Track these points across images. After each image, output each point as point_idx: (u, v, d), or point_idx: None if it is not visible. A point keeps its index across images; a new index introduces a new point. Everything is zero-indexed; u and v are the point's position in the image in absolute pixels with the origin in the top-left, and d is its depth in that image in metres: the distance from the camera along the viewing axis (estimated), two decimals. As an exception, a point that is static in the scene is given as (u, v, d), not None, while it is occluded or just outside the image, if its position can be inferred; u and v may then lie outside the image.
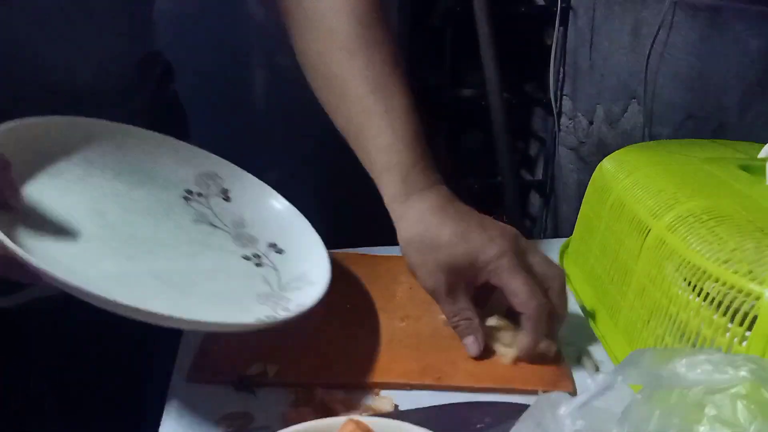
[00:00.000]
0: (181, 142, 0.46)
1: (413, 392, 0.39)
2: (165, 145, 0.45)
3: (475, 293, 0.41)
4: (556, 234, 1.26)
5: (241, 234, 0.44)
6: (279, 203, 0.46)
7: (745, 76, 0.70)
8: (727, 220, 0.37)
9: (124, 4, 0.43)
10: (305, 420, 0.30)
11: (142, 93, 0.47)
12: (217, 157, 0.47)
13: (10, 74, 0.39)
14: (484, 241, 0.39)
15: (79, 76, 0.42)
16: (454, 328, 0.41)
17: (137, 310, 0.31)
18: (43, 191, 0.37)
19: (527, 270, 0.39)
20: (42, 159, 0.39)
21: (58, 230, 0.35)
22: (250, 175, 0.47)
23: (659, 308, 0.38)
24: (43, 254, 0.33)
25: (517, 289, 0.38)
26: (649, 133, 0.92)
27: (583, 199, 0.53)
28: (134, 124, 0.47)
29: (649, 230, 0.40)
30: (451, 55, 1.24)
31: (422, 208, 0.40)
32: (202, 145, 0.54)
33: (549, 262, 0.41)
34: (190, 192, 0.44)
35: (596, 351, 0.43)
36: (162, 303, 0.33)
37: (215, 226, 0.43)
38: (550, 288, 0.40)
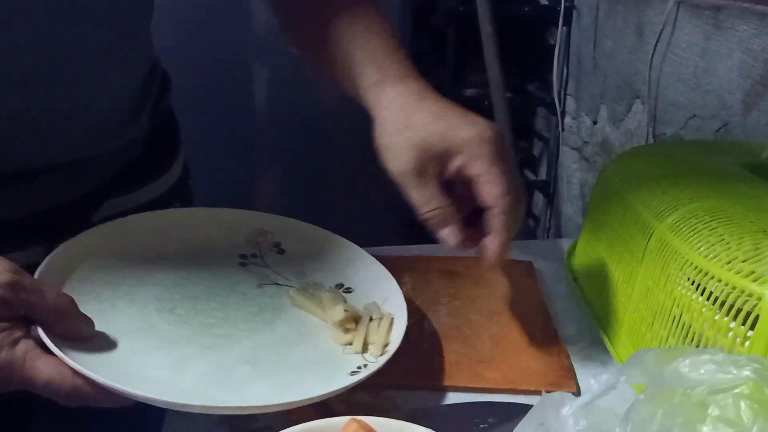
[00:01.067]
0: (224, 209, 0.45)
1: (416, 392, 0.39)
2: (209, 216, 0.44)
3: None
4: (560, 234, 1.26)
5: (306, 284, 0.42)
6: (332, 239, 0.44)
7: (749, 76, 0.70)
8: (730, 221, 0.37)
9: (132, 29, 0.42)
10: (307, 420, 0.30)
11: (143, 112, 0.46)
12: (259, 212, 0.45)
13: (22, 115, 0.36)
14: (464, 122, 0.35)
15: (91, 109, 0.40)
16: (426, 220, 0.36)
17: (241, 408, 0.31)
18: (113, 304, 0.37)
19: (509, 171, 0.35)
20: (102, 271, 0.38)
21: (136, 343, 0.35)
22: (294, 221, 0.45)
23: (663, 310, 0.38)
24: (129, 372, 0.33)
25: (496, 178, 0.34)
26: (652, 132, 0.92)
27: (589, 201, 0.53)
28: (134, 144, 0.45)
29: (653, 232, 0.40)
30: (453, 55, 1.24)
31: (399, 90, 0.37)
32: (194, 149, 0.54)
33: (517, 174, 0.37)
34: (245, 256, 0.43)
35: (601, 353, 0.43)
36: (259, 389, 0.34)
37: (279, 285, 0.42)
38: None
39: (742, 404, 0.25)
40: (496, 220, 0.35)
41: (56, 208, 0.40)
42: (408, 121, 0.36)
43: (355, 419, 0.30)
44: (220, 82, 0.98)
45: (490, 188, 0.35)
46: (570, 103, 1.19)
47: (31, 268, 0.35)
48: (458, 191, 0.37)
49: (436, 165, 0.35)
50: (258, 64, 0.99)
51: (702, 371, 0.27)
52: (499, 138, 0.36)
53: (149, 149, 0.47)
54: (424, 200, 0.35)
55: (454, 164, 0.35)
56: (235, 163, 0.97)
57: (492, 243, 0.35)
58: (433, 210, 0.35)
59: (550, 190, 1.29)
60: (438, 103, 0.36)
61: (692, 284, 0.36)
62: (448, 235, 0.36)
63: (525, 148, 1.37)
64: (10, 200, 0.38)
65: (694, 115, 0.82)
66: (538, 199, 1.36)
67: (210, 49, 0.95)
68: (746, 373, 0.26)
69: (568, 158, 1.21)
